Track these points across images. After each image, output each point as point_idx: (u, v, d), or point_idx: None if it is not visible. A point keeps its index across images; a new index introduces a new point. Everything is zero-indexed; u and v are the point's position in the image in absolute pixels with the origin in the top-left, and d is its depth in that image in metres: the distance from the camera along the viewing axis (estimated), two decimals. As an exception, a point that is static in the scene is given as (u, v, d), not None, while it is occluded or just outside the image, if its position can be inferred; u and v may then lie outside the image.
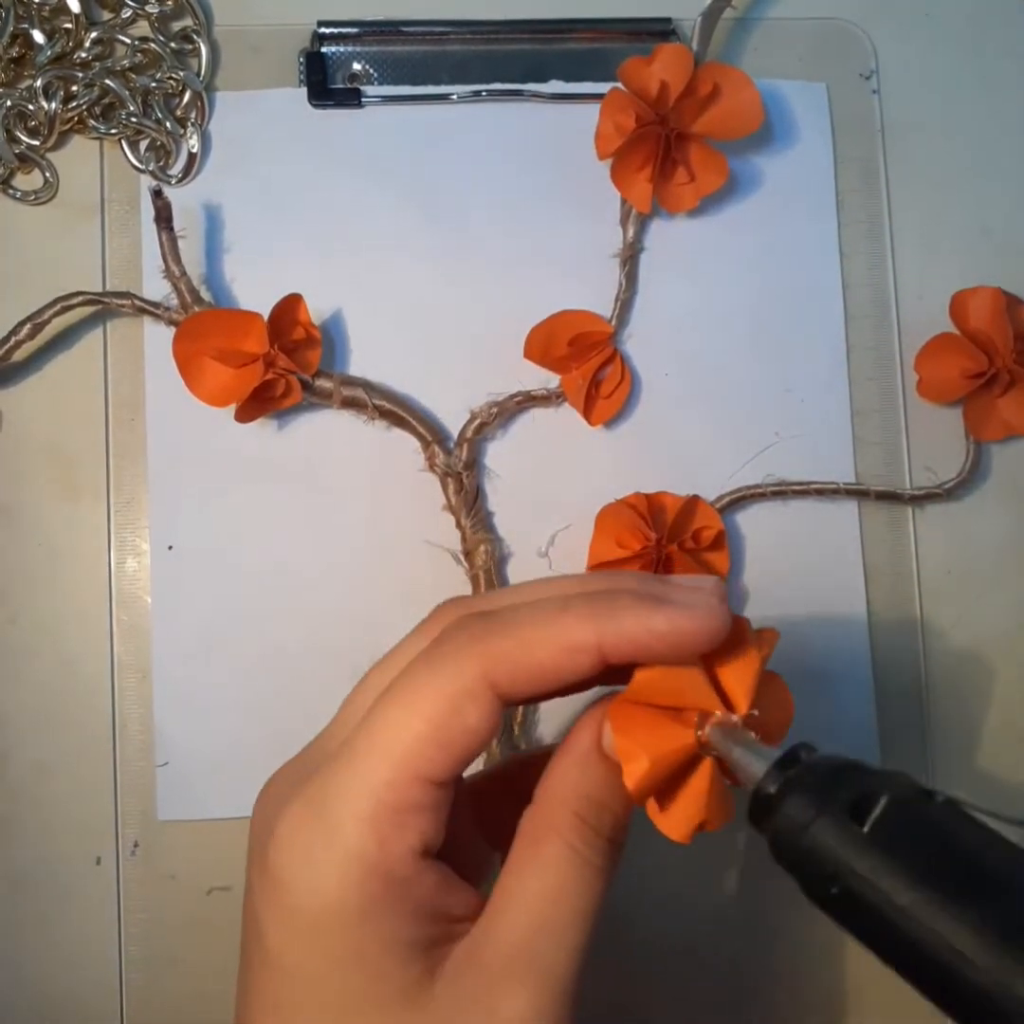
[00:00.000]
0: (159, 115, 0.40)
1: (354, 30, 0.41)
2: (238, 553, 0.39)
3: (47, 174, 0.40)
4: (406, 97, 0.41)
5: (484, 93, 0.41)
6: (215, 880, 0.38)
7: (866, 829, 0.21)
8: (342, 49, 0.41)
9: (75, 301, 0.37)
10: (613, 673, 0.24)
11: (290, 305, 0.37)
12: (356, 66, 0.41)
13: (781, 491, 0.40)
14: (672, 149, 0.39)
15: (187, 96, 0.40)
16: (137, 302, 0.38)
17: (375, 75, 0.41)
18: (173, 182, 0.40)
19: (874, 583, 0.41)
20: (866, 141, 0.43)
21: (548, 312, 0.40)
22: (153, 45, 0.40)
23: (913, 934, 0.20)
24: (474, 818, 0.28)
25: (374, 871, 0.22)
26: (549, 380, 0.40)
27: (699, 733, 0.24)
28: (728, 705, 0.24)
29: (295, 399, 0.38)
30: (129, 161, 0.40)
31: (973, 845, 0.21)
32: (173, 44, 0.40)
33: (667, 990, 0.40)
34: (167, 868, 0.38)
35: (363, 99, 0.41)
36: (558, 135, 0.41)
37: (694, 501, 0.39)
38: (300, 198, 0.40)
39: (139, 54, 0.40)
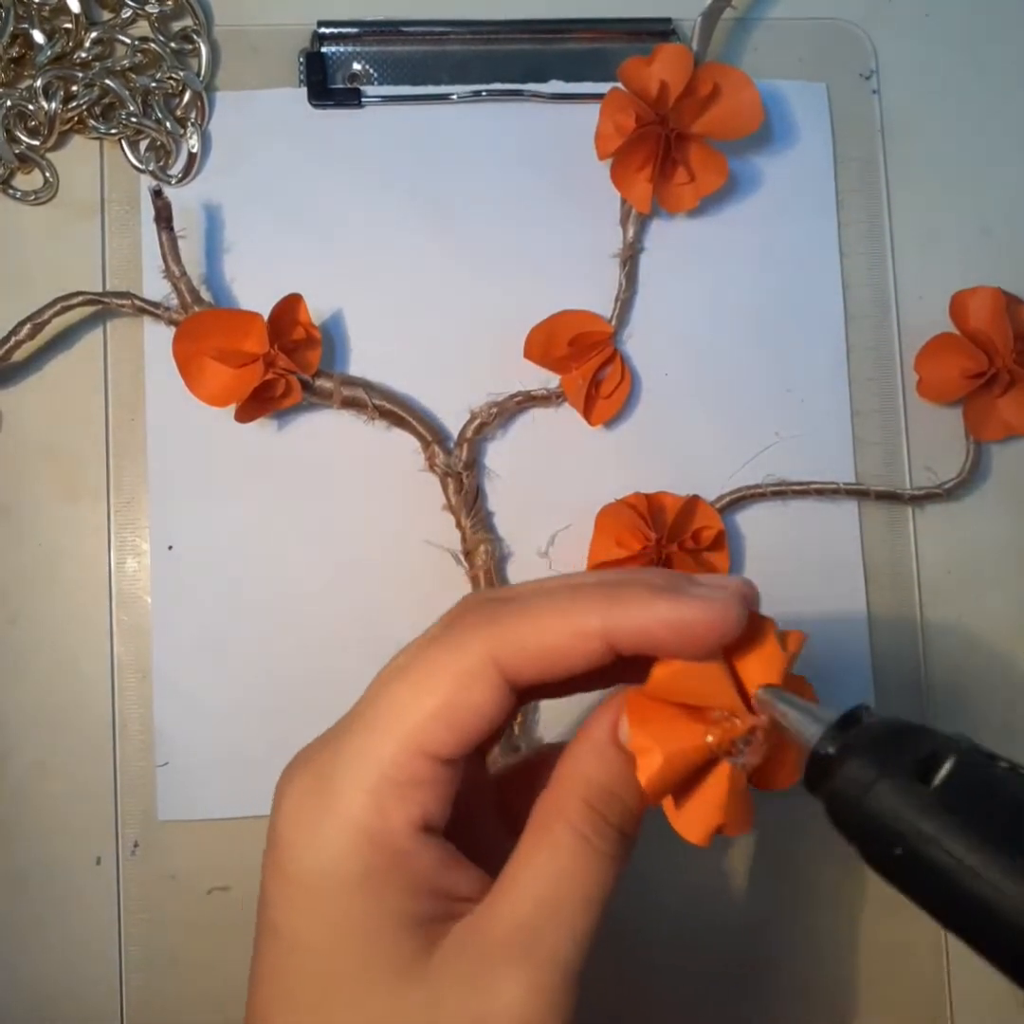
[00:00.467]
0: (159, 115, 0.40)
1: (354, 30, 0.41)
2: (238, 553, 0.39)
3: (47, 174, 0.40)
4: (406, 97, 0.41)
5: (484, 93, 0.41)
6: (215, 880, 0.38)
7: (934, 787, 0.20)
8: (342, 49, 0.41)
9: (75, 301, 0.37)
10: (631, 669, 0.23)
11: (290, 305, 0.37)
12: (356, 66, 0.41)
13: (781, 491, 0.40)
14: (672, 149, 0.38)
15: (187, 96, 0.40)
16: (137, 302, 0.38)
17: (375, 75, 0.41)
18: (173, 182, 0.40)
19: (874, 583, 0.41)
20: (866, 141, 0.43)
21: (548, 312, 0.40)
22: (153, 45, 0.40)
23: (982, 895, 0.20)
24: (498, 808, 0.28)
25: (374, 841, 0.22)
26: (549, 380, 0.40)
27: (755, 693, 0.23)
28: (749, 706, 0.24)
29: (295, 399, 0.38)
30: (129, 161, 0.40)
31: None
32: (173, 44, 0.40)
33: (668, 991, 0.40)
34: (167, 868, 0.38)
35: (363, 99, 0.41)
36: (558, 135, 0.41)
37: (694, 501, 0.39)
38: (300, 198, 0.40)
39: (139, 54, 0.40)
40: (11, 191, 0.40)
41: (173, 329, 0.38)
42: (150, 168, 0.40)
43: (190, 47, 0.41)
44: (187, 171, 0.40)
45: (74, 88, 0.39)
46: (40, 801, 0.38)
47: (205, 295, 0.39)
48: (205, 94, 0.40)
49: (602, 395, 0.39)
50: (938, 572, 0.41)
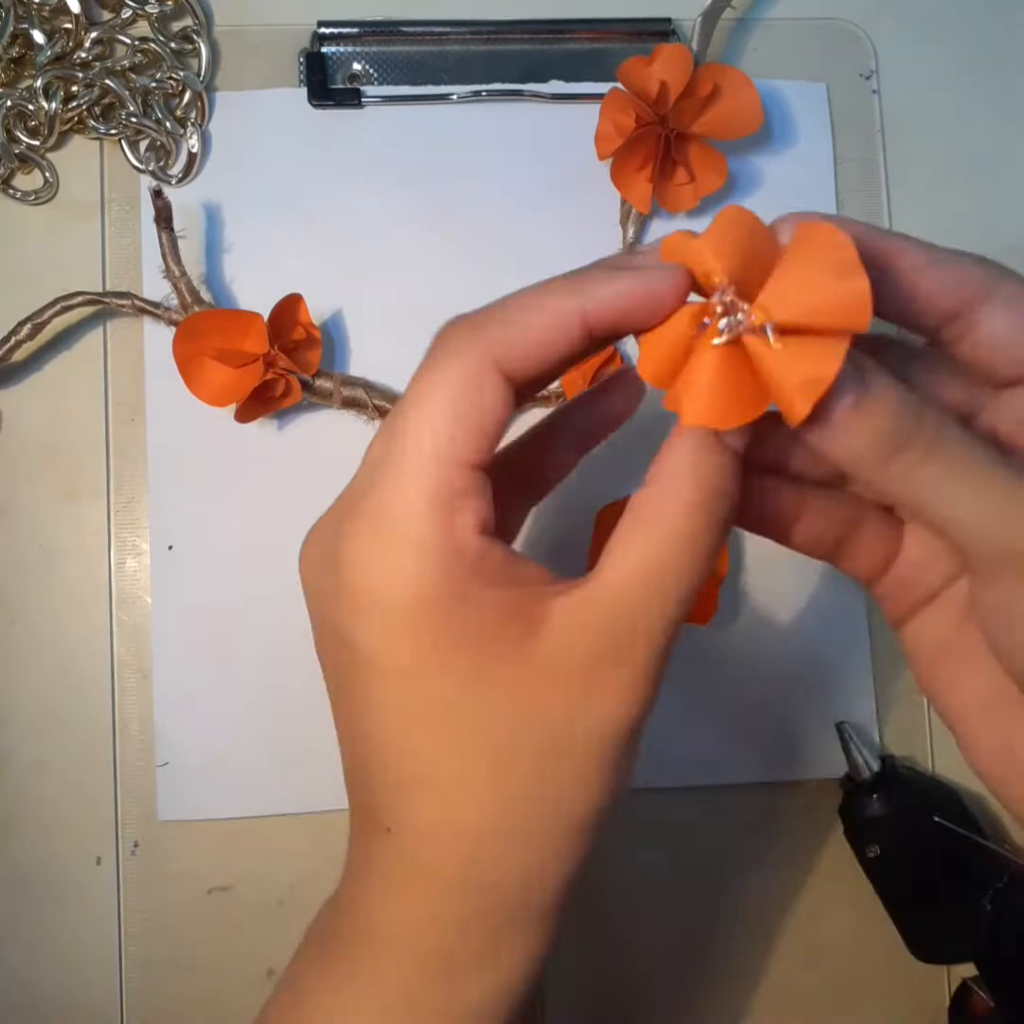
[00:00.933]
0: (159, 115, 0.40)
1: (354, 30, 0.41)
2: (238, 553, 0.39)
3: (47, 174, 0.40)
4: (406, 97, 0.41)
5: (484, 93, 0.41)
6: (215, 880, 0.38)
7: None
8: (342, 49, 0.41)
9: (75, 301, 0.37)
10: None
11: (290, 305, 0.37)
12: (356, 66, 0.41)
13: None
14: (672, 149, 0.39)
15: (187, 96, 0.40)
16: (137, 302, 0.38)
17: (375, 75, 0.41)
18: (173, 182, 0.40)
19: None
20: (866, 141, 0.43)
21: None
22: (153, 45, 0.40)
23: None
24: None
25: (447, 552, 0.22)
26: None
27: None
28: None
29: (295, 399, 0.38)
30: (129, 161, 0.40)
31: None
32: (173, 44, 0.40)
33: (668, 991, 0.40)
34: (167, 868, 0.38)
35: (363, 99, 0.41)
36: (558, 135, 0.41)
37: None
38: (300, 198, 0.40)
39: (139, 54, 0.40)
40: (11, 191, 0.40)
41: (173, 329, 0.37)
42: (150, 168, 0.40)
43: (190, 47, 0.41)
44: (187, 171, 0.40)
45: (74, 88, 0.39)
46: (40, 801, 0.38)
47: (205, 295, 0.39)
48: (205, 94, 0.40)
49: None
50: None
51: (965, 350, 0.23)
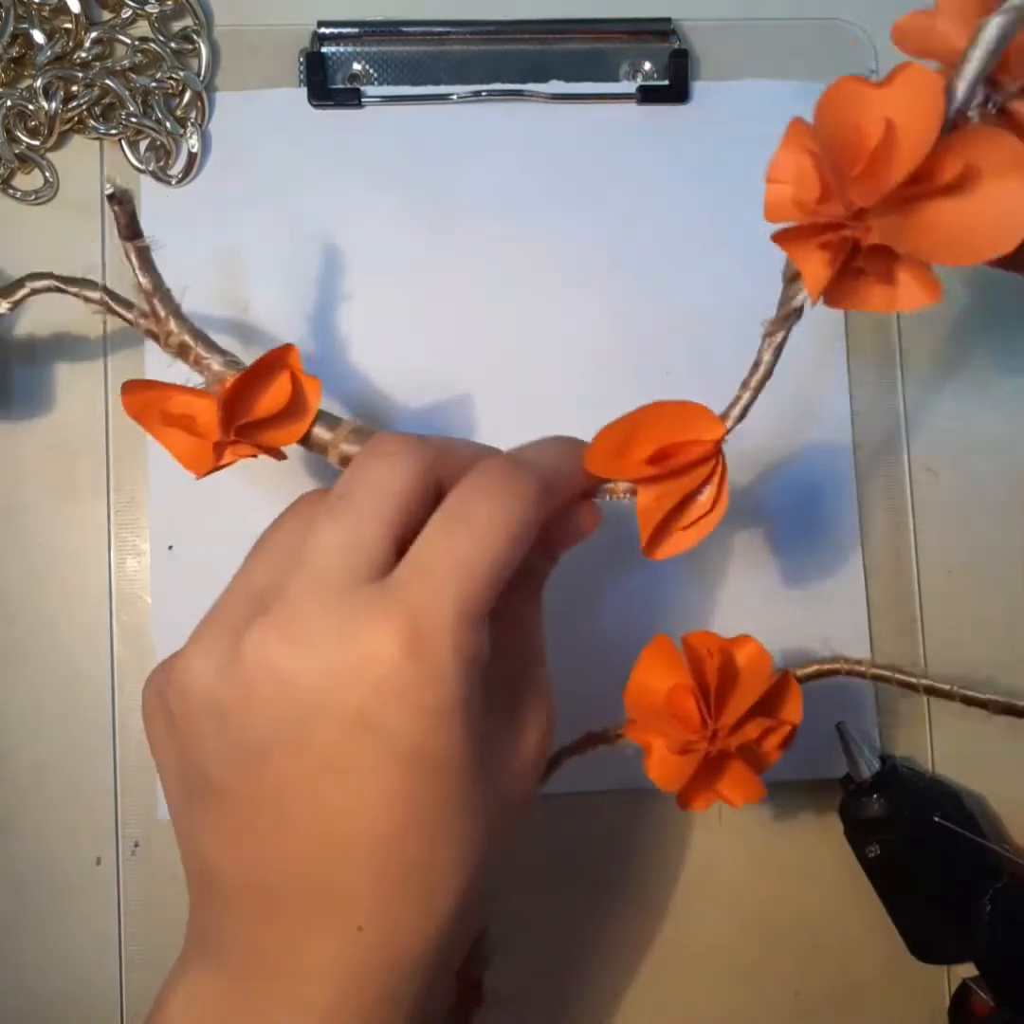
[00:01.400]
0: (159, 115, 0.40)
1: (354, 30, 0.41)
2: (238, 553, 0.39)
3: (47, 174, 0.40)
4: (406, 97, 0.41)
5: (484, 93, 0.41)
6: (215, 880, 0.38)
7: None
8: (342, 49, 0.41)
9: (41, 284, 0.33)
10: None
11: (272, 360, 0.30)
12: (356, 66, 0.41)
13: (858, 672, 0.35)
14: (860, 256, 0.25)
15: (187, 96, 0.40)
16: (107, 298, 0.32)
17: (375, 75, 0.41)
18: (174, 182, 0.40)
19: (874, 583, 0.41)
20: (866, 141, 0.43)
21: (547, 310, 0.40)
22: (153, 45, 0.40)
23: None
24: None
25: (478, 665, 0.25)
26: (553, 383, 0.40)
27: None
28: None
29: (278, 457, 0.32)
30: (129, 161, 0.40)
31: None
32: (173, 44, 0.40)
33: (668, 991, 0.40)
34: (168, 869, 0.38)
35: (363, 99, 0.41)
36: (558, 135, 0.41)
37: (786, 681, 0.32)
38: (300, 198, 0.40)
39: (139, 54, 0.40)
40: (11, 191, 0.40)
41: (146, 337, 0.32)
42: (150, 168, 0.40)
43: (190, 47, 0.41)
44: (187, 171, 0.40)
45: (74, 88, 0.39)
46: (40, 801, 0.38)
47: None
48: (205, 94, 0.40)
49: (679, 525, 0.29)
50: (939, 572, 0.41)
51: None
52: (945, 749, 0.41)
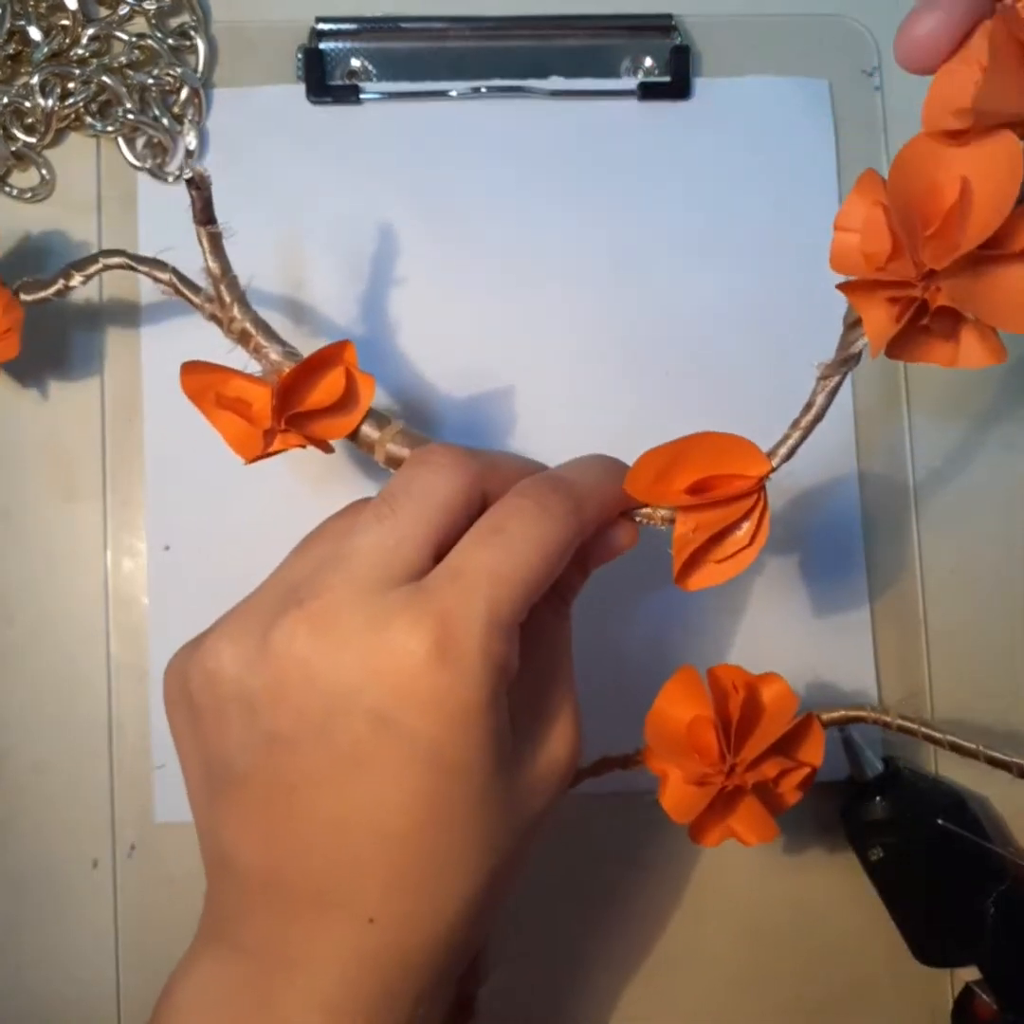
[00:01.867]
0: (156, 112, 0.40)
1: (352, 26, 0.41)
2: (235, 553, 0.39)
3: (43, 172, 0.40)
4: (405, 94, 0.41)
5: (484, 89, 0.41)
6: (213, 883, 0.38)
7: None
8: (340, 45, 0.41)
9: (114, 260, 0.34)
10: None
11: (328, 355, 0.30)
12: (354, 62, 0.41)
13: (883, 722, 0.33)
14: (926, 316, 0.25)
15: (184, 93, 0.40)
16: (177, 281, 0.33)
17: (374, 71, 0.41)
18: (171, 179, 0.40)
19: (876, 583, 0.41)
20: (869, 138, 0.42)
21: (545, 309, 0.40)
22: (150, 41, 0.40)
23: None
24: None
25: (505, 672, 0.26)
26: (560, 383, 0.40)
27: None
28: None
29: (324, 450, 0.32)
30: (126, 158, 0.40)
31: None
32: (170, 40, 0.40)
33: (668, 993, 0.40)
34: (164, 871, 0.38)
35: (362, 96, 0.41)
36: (559, 132, 0.41)
37: (809, 722, 0.32)
38: (298, 195, 0.40)
39: (136, 50, 0.40)
40: (8, 189, 0.40)
41: (211, 324, 0.32)
42: (147, 165, 0.40)
43: (187, 43, 0.40)
44: (184, 168, 0.40)
45: (71, 85, 0.39)
46: (36, 803, 0.38)
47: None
48: (203, 91, 0.40)
49: (714, 557, 0.29)
50: (942, 572, 0.41)
51: None
52: (948, 751, 0.40)
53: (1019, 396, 0.42)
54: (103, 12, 0.40)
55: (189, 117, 0.40)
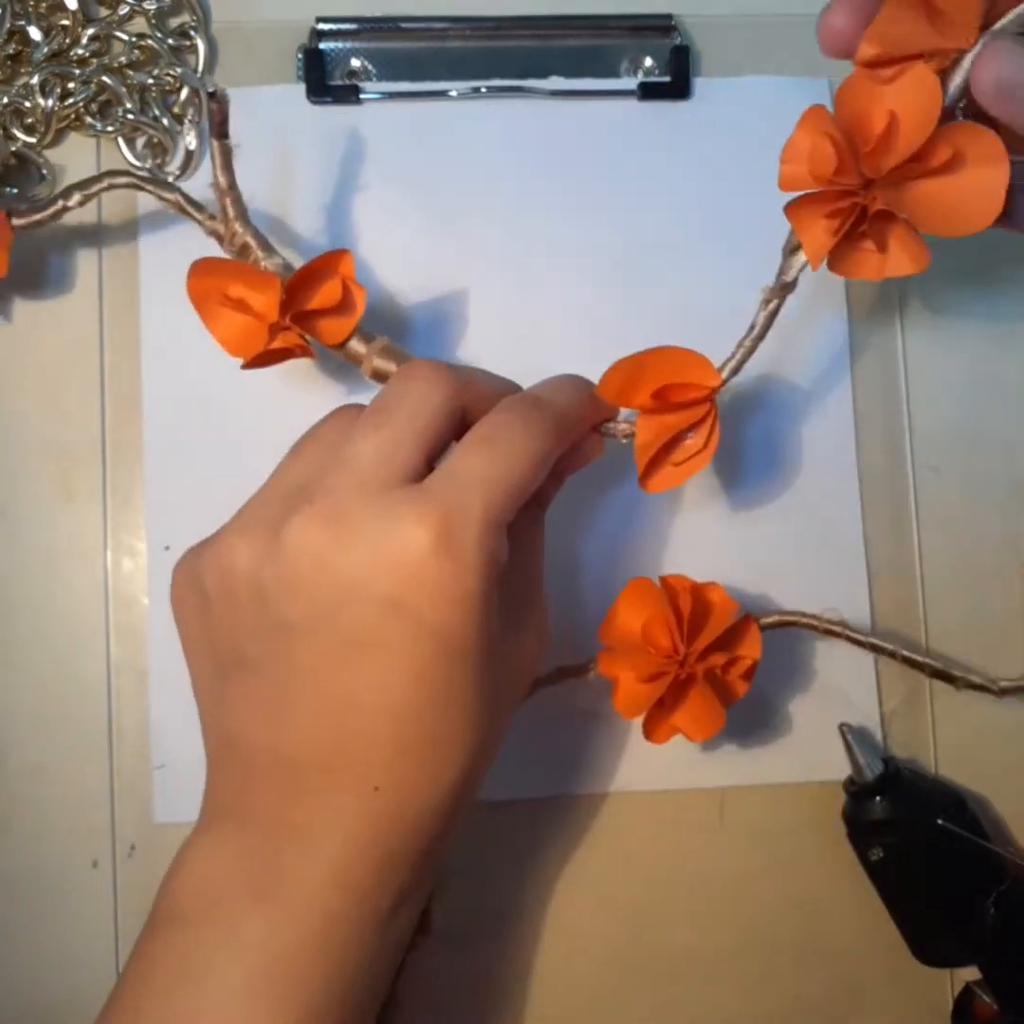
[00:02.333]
0: (156, 112, 0.39)
1: (353, 26, 0.41)
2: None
3: (44, 172, 0.40)
4: (405, 93, 0.41)
5: (484, 89, 0.41)
6: (213, 883, 0.38)
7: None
8: (340, 45, 0.41)
9: (121, 180, 0.35)
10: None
11: (326, 263, 0.33)
12: (355, 62, 0.41)
13: (832, 630, 0.37)
14: (864, 221, 0.29)
15: (184, 93, 0.40)
16: (182, 200, 0.35)
17: (374, 71, 0.41)
18: (171, 179, 0.40)
19: (876, 584, 0.41)
20: (869, 138, 0.42)
21: (545, 309, 0.40)
22: (150, 41, 0.39)
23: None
24: None
25: (500, 564, 0.28)
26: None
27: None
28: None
29: (309, 355, 0.35)
30: (126, 158, 0.40)
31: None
32: (170, 40, 0.40)
33: (668, 993, 0.40)
34: (164, 871, 0.38)
35: (362, 96, 0.41)
36: (559, 132, 0.41)
37: (746, 622, 0.36)
38: (298, 195, 0.40)
39: (136, 50, 0.40)
40: (8, 189, 0.40)
41: (211, 239, 0.35)
42: (148, 165, 0.40)
43: (187, 43, 0.40)
44: (184, 168, 0.40)
45: (71, 85, 0.39)
46: (36, 804, 0.38)
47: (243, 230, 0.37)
48: (202, 90, 0.40)
49: (672, 460, 0.33)
50: (942, 571, 0.41)
51: None
52: (948, 751, 0.40)
53: (1019, 396, 0.42)
54: (103, 12, 0.40)
55: (189, 117, 0.40)
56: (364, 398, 0.32)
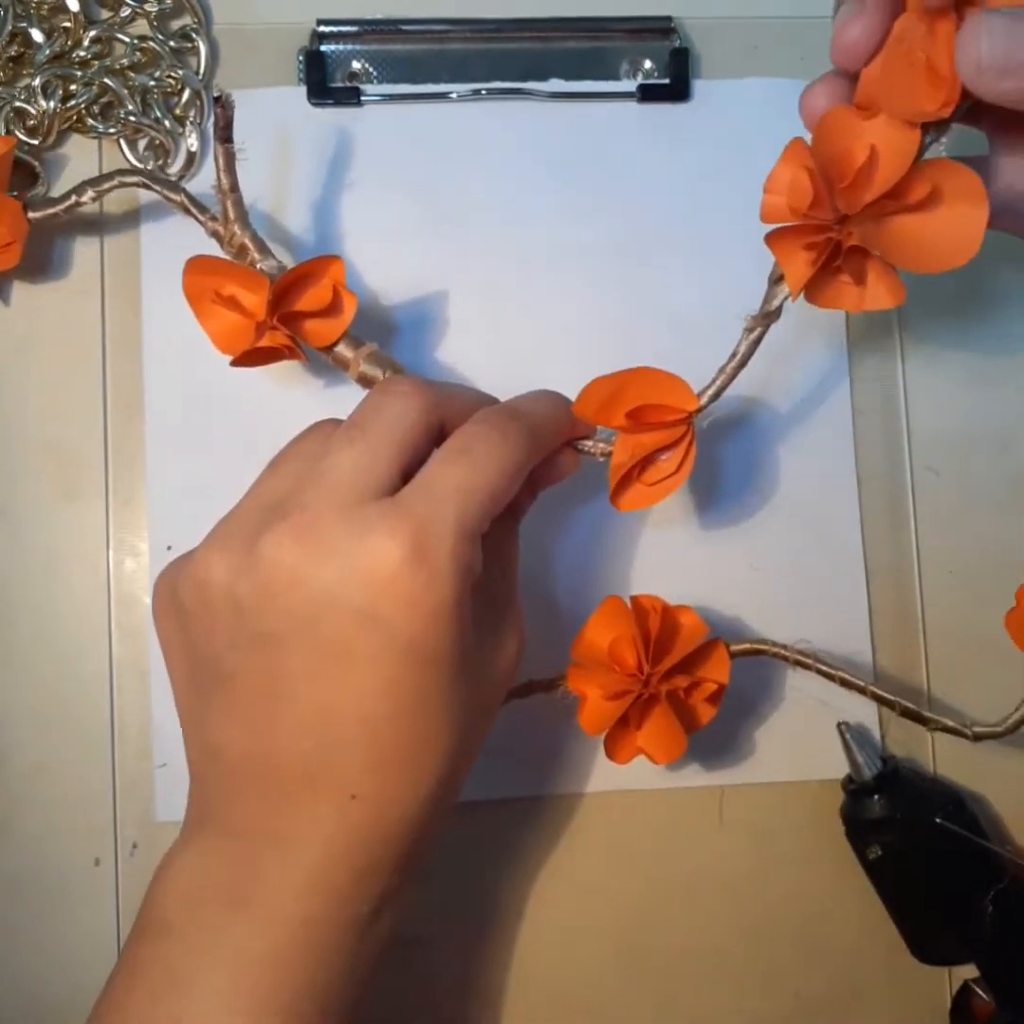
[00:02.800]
0: (158, 113, 0.40)
1: (354, 28, 0.41)
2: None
3: (38, 172, 0.40)
4: (406, 96, 0.41)
5: (484, 92, 0.41)
6: (214, 881, 0.38)
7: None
8: (342, 47, 0.41)
9: (131, 178, 0.36)
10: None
11: (317, 267, 0.34)
12: (356, 64, 0.41)
13: (803, 662, 0.36)
14: (840, 256, 0.29)
15: (186, 95, 0.40)
16: (186, 201, 0.36)
17: (375, 74, 0.41)
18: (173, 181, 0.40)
19: (875, 584, 0.41)
20: (868, 140, 0.43)
21: (546, 310, 0.40)
22: (152, 43, 0.40)
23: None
24: None
25: (472, 575, 0.29)
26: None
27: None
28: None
29: (298, 357, 0.35)
30: (128, 160, 0.40)
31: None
32: (172, 42, 0.40)
33: (668, 992, 0.40)
34: (166, 870, 0.38)
35: (363, 98, 0.41)
36: (559, 134, 0.41)
37: (715, 645, 0.35)
38: (298, 197, 0.40)
39: (138, 52, 0.40)
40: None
41: (212, 239, 0.36)
42: (150, 167, 0.40)
43: (189, 45, 0.40)
44: (186, 169, 0.40)
45: (73, 87, 0.39)
46: (38, 802, 0.38)
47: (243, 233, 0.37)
48: (204, 92, 0.40)
49: (645, 480, 0.33)
50: (941, 572, 0.41)
51: None
52: (947, 750, 0.41)
53: (1017, 397, 0.42)
54: (105, 14, 0.40)
55: (190, 119, 0.40)
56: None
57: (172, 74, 0.40)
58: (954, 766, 0.41)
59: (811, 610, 0.40)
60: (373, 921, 0.29)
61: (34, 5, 0.39)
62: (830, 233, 0.29)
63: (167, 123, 0.40)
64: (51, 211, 0.36)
